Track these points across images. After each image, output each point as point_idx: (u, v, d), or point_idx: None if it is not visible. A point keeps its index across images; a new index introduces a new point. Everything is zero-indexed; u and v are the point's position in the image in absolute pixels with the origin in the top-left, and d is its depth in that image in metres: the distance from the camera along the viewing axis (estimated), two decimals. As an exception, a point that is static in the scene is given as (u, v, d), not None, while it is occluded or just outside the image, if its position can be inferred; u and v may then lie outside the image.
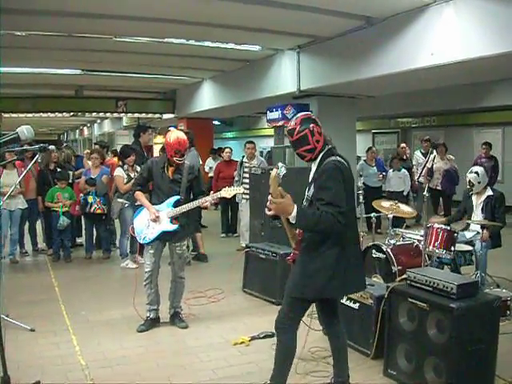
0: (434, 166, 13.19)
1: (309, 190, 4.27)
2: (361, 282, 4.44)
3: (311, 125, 4.21)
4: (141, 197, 6.43)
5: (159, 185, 6.34)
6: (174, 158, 6.17)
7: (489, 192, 7.68)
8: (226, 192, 6.17)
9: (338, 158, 4.19)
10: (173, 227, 6.20)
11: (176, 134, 6.19)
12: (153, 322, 6.45)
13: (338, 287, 4.18)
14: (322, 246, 4.10)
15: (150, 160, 6.69)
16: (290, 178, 4.22)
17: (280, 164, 4.05)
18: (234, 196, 11.02)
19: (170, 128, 7.29)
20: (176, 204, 6.21)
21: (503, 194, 7.73)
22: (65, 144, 21.09)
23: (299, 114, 4.38)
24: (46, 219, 10.88)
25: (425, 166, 13.20)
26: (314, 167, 4.32)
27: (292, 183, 4.29)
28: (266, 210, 4.00)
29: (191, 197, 6.42)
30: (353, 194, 4.27)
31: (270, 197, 3.97)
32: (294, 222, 3.94)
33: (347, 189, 4.09)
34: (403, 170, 13.21)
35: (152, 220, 6.22)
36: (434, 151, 13.24)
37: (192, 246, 10.25)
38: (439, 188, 13.09)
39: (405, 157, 14.31)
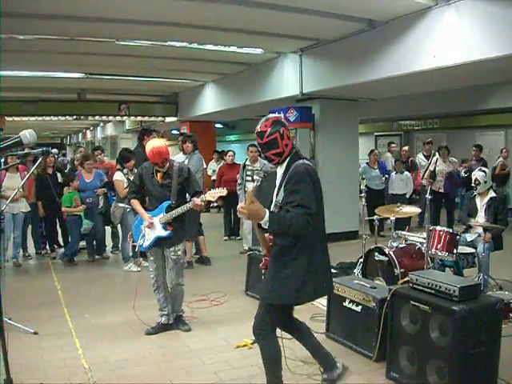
0: (437, 168, 13.13)
1: (277, 195, 4.26)
2: (330, 285, 4.53)
3: (281, 128, 4.21)
4: (136, 204, 6.42)
5: (150, 190, 6.31)
6: (157, 168, 6.18)
7: (492, 194, 7.69)
8: (211, 195, 6.10)
9: (306, 162, 4.23)
10: (165, 233, 6.17)
11: (150, 146, 6.08)
12: (163, 327, 6.42)
13: (311, 292, 4.24)
14: (293, 251, 4.13)
15: (141, 167, 6.65)
16: (274, 180, 4.28)
17: (256, 177, 4.06)
18: (237, 199, 11.15)
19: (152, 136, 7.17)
20: (168, 209, 6.18)
21: (506, 195, 7.76)
22: (77, 145, 21.11)
23: (269, 116, 4.35)
24: (61, 223, 11.02)
25: (427, 169, 13.22)
26: (280, 171, 4.32)
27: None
28: (238, 213, 3.98)
29: (187, 199, 6.40)
30: (321, 197, 4.26)
31: (240, 204, 3.96)
32: (266, 226, 3.95)
33: (316, 192, 4.12)
34: (406, 172, 13.21)
35: (146, 227, 6.22)
36: (437, 154, 13.26)
37: (195, 249, 10.26)
38: (442, 190, 12.98)
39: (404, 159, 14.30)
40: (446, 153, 13.21)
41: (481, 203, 7.76)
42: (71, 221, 10.27)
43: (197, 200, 6.05)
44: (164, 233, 6.17)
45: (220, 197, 5.87)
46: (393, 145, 15.82)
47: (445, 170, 13.02)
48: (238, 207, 3.93)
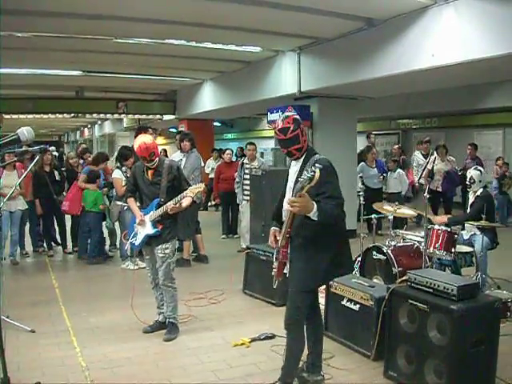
0: (435, 167, 13.10)
1: (295, 188, 4.33)
2: (352, 264, 4.96)
3: (301, 125, 4.46)
4: (131, 203, 6.41)
5: (142, 188, 6.28)
6: (145, 164, 6.16)
7: (478, 192, 7.70)
8: (191, 191, 6.05)
9: (323, 156, 4.47)
10: (154, 231, 6.12)
11: (138, 142, 6.07)
12: (160, 325, 6.38)
13: (336, 271, 4.60)
14: (322, 240, 4.32)
15: (134, 165, 6.67)
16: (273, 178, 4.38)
17: (317, 165, 4.09)
18: (235, 197, 11.15)
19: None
20: (157, 206, 6.12)
21: (489, 195, 7.82)
22: (80, 143, 21.09)
23: (288, 113, 4.53)
24: (59, 221, 11.13)
25: (425, 168, 13.20)
26: (296, 166, 4.52)
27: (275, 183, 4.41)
28: (290, 207, 4.07)
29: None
30: None
31: (290, 198, 4.06)
32: (314, 217, 4.07)
33: None
34: (398, 170, 13.19)
35: (137, 224, 6.19)
36: (435, 153, 13.25)
37: (192, 247, 10.23)
38: (439, 189, 12.98)
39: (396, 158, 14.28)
40: (443, 152, 13.23)
41: (470, 200, 7.82)
42: (97, 218, 10.31)
43: (170, 202, 6.01)
44: (152, 231, 6.13)
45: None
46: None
47: (443, 169, 13.03)
48: (288, 201, 4.05)
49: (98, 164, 10.51)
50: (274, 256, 4.66)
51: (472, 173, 7.72)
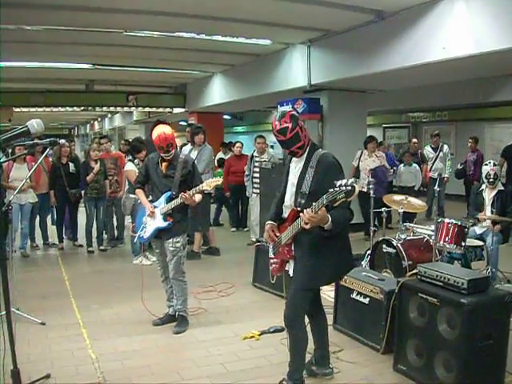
0: (360, 164, 11.62)
1: (300, 185, 4.26)
2: (353, 261, 4.81)
3: (299, 120, 4.27)
4: (140, 194, 6.39)
5: (154, 181, 6.27)
6: (161, 154, 6.14)
7: (500, 187, 7.68)
8: (207, 184, 5.98)
9: (325, 151, 4.36)
10: (165, 224, 6.11)
11: (157, 131, 6.07)
12: (170, 318, 6.39)
13: (343, 269, 4.56)
14: (328, 239, 4.16)
15: (148, 157, 6.65)
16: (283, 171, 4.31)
17: (351, 180, 3.81)
18: (245, 190, 11.15)
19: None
20: (169, 199, 6.11)
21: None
22: (70, 139, 21.15)
23: (284, 111, 4.36)
24: (72, 214, 11.20)
25: (435, 161, 13.11)
26: (299, 162, 4.37)
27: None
28: (303, 224, 3.93)
29: None
30: None
31: (307, 213, 3.86)
32: (329, 228, 3.98)
33: None
34: (414, 164, 13.07)
35: (148, 216, 6.16)
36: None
37: (202, 240, 10.22)
38: (365, 190, 9.89)
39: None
40: (374, 146, 11.74)
41: (488, 197, 7.75)
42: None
43: (187, 192, 5.95)
44: (163, 224, 6.11)
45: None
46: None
47: (369, 167, 11.51)
48: (306, 216, 3.86)
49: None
50: (272, 251, 4.62)
51: (496, 169, 7.71)
